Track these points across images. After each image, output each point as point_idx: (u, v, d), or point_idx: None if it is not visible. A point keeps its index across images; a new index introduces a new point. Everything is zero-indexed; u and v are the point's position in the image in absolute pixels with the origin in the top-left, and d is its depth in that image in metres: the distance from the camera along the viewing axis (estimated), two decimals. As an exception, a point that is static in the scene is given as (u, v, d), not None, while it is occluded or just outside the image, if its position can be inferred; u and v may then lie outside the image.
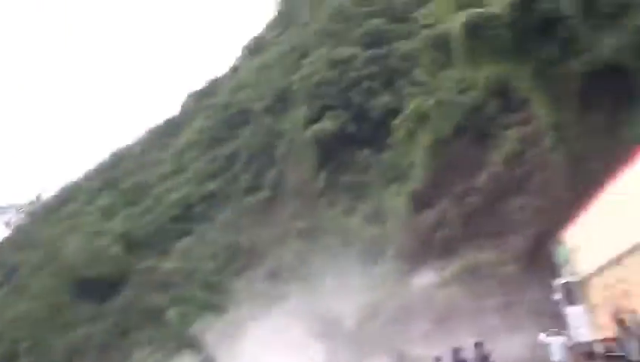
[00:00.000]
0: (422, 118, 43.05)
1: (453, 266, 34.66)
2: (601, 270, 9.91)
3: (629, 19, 21.83)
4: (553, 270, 13.23)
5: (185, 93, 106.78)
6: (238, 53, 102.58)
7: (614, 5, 22.80)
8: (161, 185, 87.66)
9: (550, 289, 12.72)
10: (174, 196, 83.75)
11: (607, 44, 23.73)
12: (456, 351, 15.82)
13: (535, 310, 22.15)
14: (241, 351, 29.14)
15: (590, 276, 10.48)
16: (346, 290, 52.15)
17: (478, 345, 16.19)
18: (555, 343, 15.17)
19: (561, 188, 27.72)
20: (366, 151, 54.81)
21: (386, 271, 42.13)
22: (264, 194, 75.32)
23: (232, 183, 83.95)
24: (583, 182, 25.75)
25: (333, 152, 61.43)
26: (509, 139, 35.63)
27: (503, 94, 36.00)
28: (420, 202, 41.28)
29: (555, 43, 27.93)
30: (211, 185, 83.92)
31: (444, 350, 15.70)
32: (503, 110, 36.96)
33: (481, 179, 37.39)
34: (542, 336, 15.76)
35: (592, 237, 10.08)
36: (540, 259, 24.11)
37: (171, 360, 18.56)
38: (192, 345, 16.83)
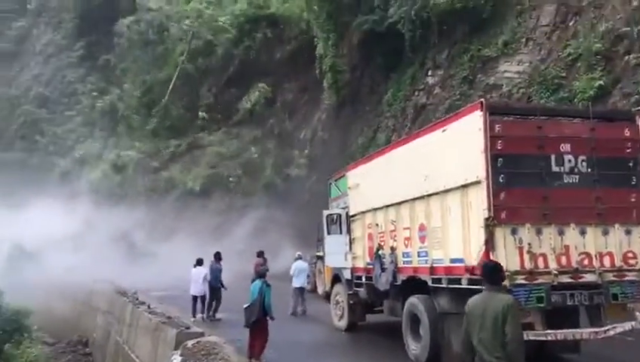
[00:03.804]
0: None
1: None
2: (372, 210, 11.43)
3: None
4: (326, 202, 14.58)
5: None
6: None
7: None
8: None
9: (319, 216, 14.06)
10: None
11: (395, 11, 25.98)
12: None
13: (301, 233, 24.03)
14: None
15: (360, 213, 12.00)
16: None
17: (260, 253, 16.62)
18: (298, 267, 15.78)
19: (332, 126, 29.86)
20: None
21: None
22: (5, 46, 65.51)
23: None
24: (351, 125, 28.21)
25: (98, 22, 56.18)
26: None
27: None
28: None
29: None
30: None
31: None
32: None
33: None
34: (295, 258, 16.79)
35: (372, 181, 11.52)
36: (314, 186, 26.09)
37: None
38: None
